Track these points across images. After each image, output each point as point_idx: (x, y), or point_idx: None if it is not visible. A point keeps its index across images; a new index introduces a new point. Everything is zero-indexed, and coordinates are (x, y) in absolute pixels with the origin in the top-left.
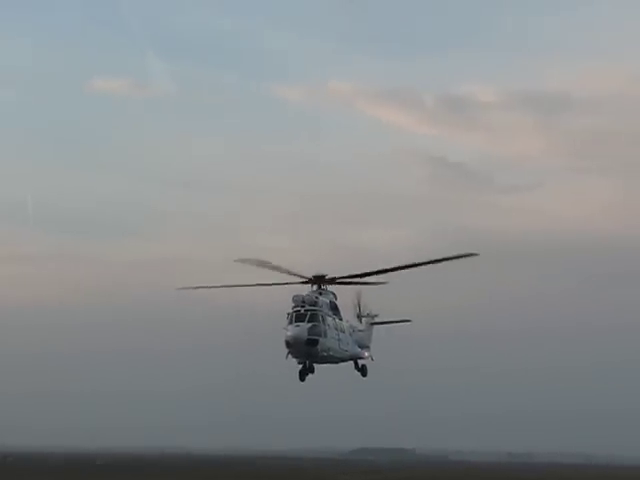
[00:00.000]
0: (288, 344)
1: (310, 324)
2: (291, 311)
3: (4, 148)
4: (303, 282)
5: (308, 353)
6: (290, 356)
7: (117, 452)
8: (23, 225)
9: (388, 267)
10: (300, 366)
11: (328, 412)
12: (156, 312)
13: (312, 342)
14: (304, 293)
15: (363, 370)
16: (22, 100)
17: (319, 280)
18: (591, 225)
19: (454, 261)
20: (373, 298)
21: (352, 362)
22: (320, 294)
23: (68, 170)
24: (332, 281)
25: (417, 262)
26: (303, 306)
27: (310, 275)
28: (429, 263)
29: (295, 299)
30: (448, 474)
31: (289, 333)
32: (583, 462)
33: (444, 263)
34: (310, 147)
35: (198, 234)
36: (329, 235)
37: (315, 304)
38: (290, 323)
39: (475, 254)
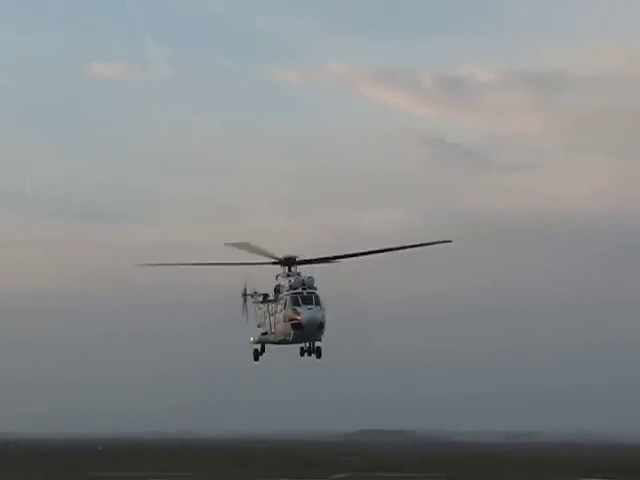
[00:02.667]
0: (301, 326)
1: (319, 307)
2: (291, 292)
3: (2, 133)
4: (273, 263)
5: (314, 335)
6: (292, 337)
7: (117, 437)
8: (22, 210)
9: (362, 251)
10: (257, 346)
11: (324, 395)
12: (155, 297)
13: (322, 325)
14: (298, 275)
15: (319, 351)
16: (20, 85)
17: (289, 262)
18: (590, 204)
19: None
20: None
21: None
22: (299, 274)
23: (67, 155)
24: (302, 262)
25: (392, 247)
26: (305, 288)
27: (281, 256)
28: (404, 248)
29: (296, 280)
30: (449, 455)
31: (305, 315)
32: (584, 441)
33: (431, 247)
34: (308, 129)
35: (197, 218)
36: (327, 217)
37: (314, 287)
38: (296, 305)
39: (449, 241)
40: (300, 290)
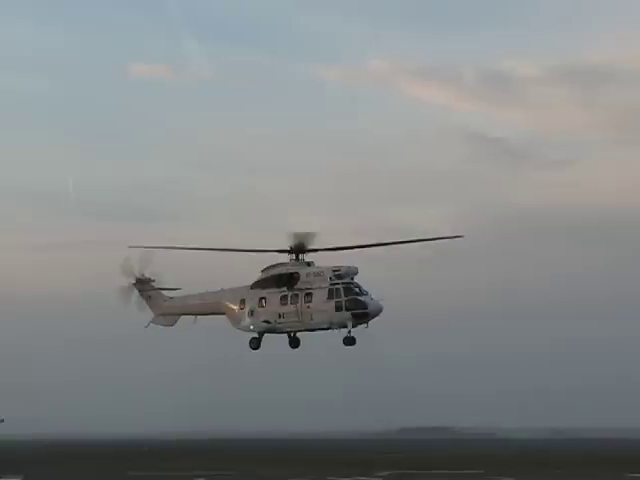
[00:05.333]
0: (368, 315)
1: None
2: (341, 282)
3: (43, 135)
4: (282, 250)
5: (365, 322)
6: (350, 324)
7: (162, 438)
8: (62, 211)
9: (373, 242)
10: (256, 335)
11: (365, 393)
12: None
13: None
14: (342, 265)
15: (354, 340)
16: (59, 86)
17: (299, 250)
18: (634, 199)
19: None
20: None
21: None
22: (308, 264)
23: (106, 155)
24: (313, 251)
25: (405, 240)
26: (352, 278)
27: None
28: (416, 241)
29: (348, 270)
30: (491, 452)
31: (371, 305)
32: (634, 437)
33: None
34: (349, 127)
35: (238, 217)
36: (369, 214)
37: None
38: (358, 295)
39: (460, 236)
40: (348, 281)
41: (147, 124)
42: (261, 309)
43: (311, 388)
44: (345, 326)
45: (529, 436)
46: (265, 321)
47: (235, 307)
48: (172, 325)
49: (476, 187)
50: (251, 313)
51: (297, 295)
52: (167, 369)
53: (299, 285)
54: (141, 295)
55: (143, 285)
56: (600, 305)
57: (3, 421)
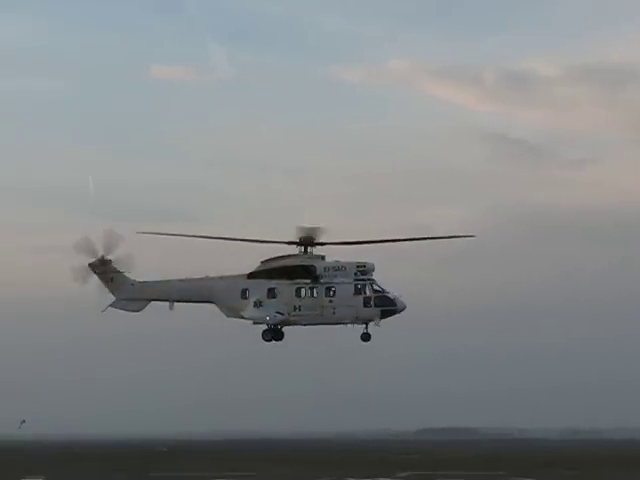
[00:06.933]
0: (395, 312)
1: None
2: (365, 278)
3: (64, 138)
4: (290, 242)
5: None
6: (378, 320)
7: (177, 438)
8: (84, 214)
9: (383, 238)
10: (265, 327)
11: (387, 393)
12: None
13: None
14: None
15: (370, 336)
16: (81, 88)
17: (307, 242)
18: None
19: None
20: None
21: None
22: (323, 258)
23: (128, 157)
24: (321, 244)
25: (416, 237)
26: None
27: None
28: (428, 239)
29: (369, 266)
30: (513, 452)
31: (400, 301)
32: None
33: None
34: (370, 127)
35: (261, 218)
36: (389, 214)
37: None
38: (385, 292)
39: (472, 236)
40: (370, 277)
41: (167, 125)
42: (271, 300)
43: (327, 387)
44: (368, 322)
45: (547, 436)
46: (278, 313)
47: (233, 296)
48: (138, 311)
49: (496, 187)
50: (259, 304)
51: (316, 288)
52: (177, 366)
53: (317, 278)
54: (100, 277)
55: (105, 267)
56: (619, 304)
57: (25, 422)
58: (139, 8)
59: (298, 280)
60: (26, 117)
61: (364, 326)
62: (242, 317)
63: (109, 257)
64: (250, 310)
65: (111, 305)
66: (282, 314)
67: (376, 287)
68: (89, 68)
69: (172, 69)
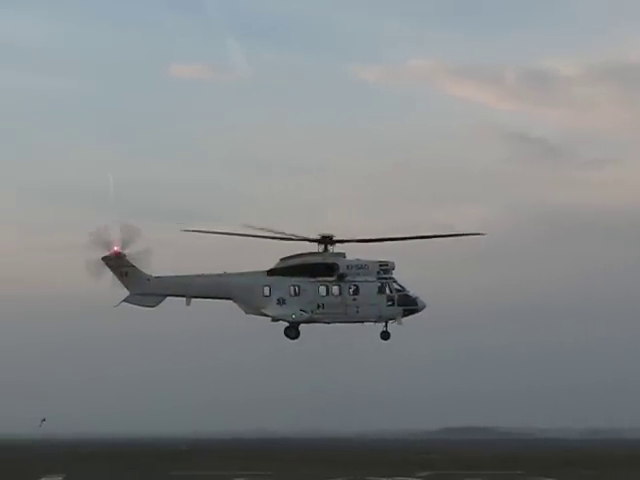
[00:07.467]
0: (417, 311)
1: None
2: (387, 277)
3: (82, 137)
4: (310, 240)
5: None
6: (400, 319)
7: (194, 437)
8: (103, 214)
9: (396, 236)
10: (287, 325)
11: (408, 393)
12: None
13: None
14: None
15: (389, 334)
16: (99, 87)
17: (327, 240)
18: None
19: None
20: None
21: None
22: (344, 256)
23: (147, 156)
24: (340, 242)
25: (424, 235)
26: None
27: (317, 235)
28: (437, 237)
29: (391, 265)
30: (533, 452)
31: (421, 301)
32: None
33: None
34: (389, 126)
35: (279, 217)
36: (408, 213)
37: None
38: (407, 291)
39: (483, 233)
40: (391, 275)
41: (186, 124)
42: (295, 298)
43: (346, 387)
44: (390, 320)
45: (567, 436)
46: (302, 310)
47: (254, 293)
48: (154, 306)
49: (516, 186)
50: (282, 301)
51: (339, 286)
52: (193, 364)
53: (340, 276)
54: (114, 271)
55: (120, 260)
56: (637, 304)
57: (45, 420)
58: (157, 6)
59: (321, 278)
60: (43, 116)
61: (384, 324)
62: (264, 314)
63: (124, 251)
64: (273, 307)
65: (125, 300)
66: (306, 312)
67: (397, 286)
68: (107, 67)
69: (191, 68)
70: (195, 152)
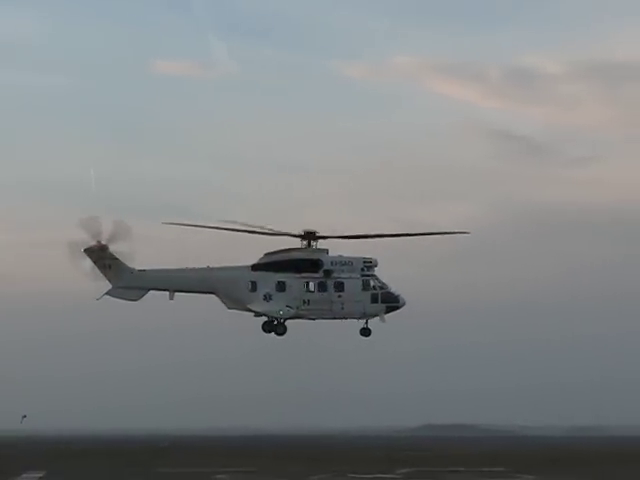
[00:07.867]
0: (398, 308)
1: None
2: (370, 274)
3: (66, 133)
4: (293, 235)
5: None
6: (383, 316)
7: (177, 434)
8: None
9: (380, 233)
10: (266, 319)
11: (388, 389)
12: None
13: None
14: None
15: (370, 331)
16: (84, 84)
17: (310, 236)
18: None
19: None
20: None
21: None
22: (327, 252)
23: (131, 153)
24: (323, 238)
25: (410, 232)
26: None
27: (300, 231)
28: (424, 234)
29: (374, 262)
30: (513, 449)
31: (402, 298)
32: None
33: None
34: (373, 123)
35: (262, 214)
36: (392, 210)
37: None
38: (389, 288)
39: (467, 232)
40: (373, 272)
41: (171, 120)
42: (281, 294)
43: (329, 384)
44: (372, 317)
45: (548, 433)
46: (288, 306)
47: (239, 288)
48: (136, 299)
49: (501, 184)
50: (269, 297)
51: (325, 282)
52: (176, 361)
53: (325, 272)
54: (97, 264)
55: (103, 253)
56: (623, 302)
57: (26, 417)
58: (142, 3)
59: (306, 274)
60: (26, 112)
61: (364, 321)
62: (248, 310)
63: (107, 243)
64: (259, 303)
65: (107, 293)
66: (292, 308)
67: (379, 283)
68: (91, 63)
69: (177, 64)
70: (179, 148)
